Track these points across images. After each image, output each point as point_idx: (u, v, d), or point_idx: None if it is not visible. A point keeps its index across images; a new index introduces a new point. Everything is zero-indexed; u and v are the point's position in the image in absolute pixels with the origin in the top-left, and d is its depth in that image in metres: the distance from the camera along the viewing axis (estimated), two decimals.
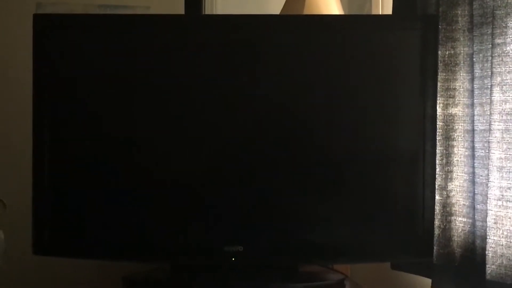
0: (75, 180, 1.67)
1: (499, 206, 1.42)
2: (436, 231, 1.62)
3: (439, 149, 1.62)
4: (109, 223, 1.67)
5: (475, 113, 1.53)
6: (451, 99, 1.60)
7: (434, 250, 1.61)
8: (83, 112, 1.68)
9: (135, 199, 1.67)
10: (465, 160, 1.58)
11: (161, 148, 1.68)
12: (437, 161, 1.62)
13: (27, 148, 1.68)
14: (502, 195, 1.42)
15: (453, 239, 1.60)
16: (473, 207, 1.54)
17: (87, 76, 1.68)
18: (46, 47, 1.67)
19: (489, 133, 1.45)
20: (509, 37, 1.41)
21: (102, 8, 2.19)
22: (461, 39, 1.58)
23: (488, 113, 1.46)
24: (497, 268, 1.42)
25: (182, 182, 1.68)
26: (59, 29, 1.69)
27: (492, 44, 1.44)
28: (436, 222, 1.62)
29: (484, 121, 1.50)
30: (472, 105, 1.55)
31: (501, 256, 1.42)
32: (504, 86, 1.42)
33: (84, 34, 1.69)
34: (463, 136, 1.58)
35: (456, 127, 1.59)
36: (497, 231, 1.42)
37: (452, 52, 1.60)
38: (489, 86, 1.46)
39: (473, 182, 1.55)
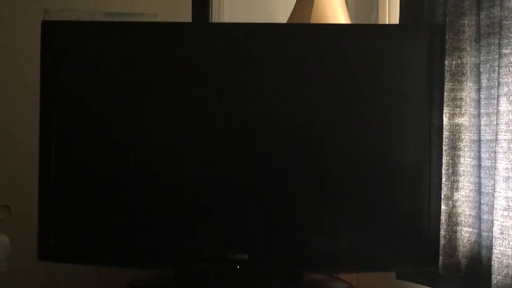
0: (81, 186, 1.68)
1: (505, 216, 1.42)
2: (442, 241, 1.61)
3: (445, 159, 1.62)
4: (115, 229, 1.67)
5: (482, 123, 1.53)
6: (457, 109, 1.60)
7: (440, 260, 1.61)
8: (90, 118, 1.68)
9: (142, 205, 1.67)
10: (471, 170, 1.58)
11: (167, 155, 1.68)
12: (443, 170, 1.62)
13: (33, 154, 1.68)
14: (508, 205, 1.42)
15: (458, 249, 1.60)
16: (479, 217, 1.54)
17: (94, 83, 1.69)
18: (54, 54, 1.68)
19: (496, 143, 1.45)
20: None
21: (109, 16, 2.20)
22: (468, 49, 1.58)
23: (495, 123, 1.46)
24: (503, 279, 1.42)
25: (188, 189, 1.68)
26: (67, 36, 1.69)
27: (499, 54, 1.44)
28: (442, 232, 1.62)
29: (491, 131, 1.50)
30: (478, 115, 1.55)
31: (507, 266, 1.41)
32: (511, 96, 1.42)
33: (91, 41, 1.70)
34: (469, 146, 1.58)
35: (463, 137, 1.59)
36: (503, 241, 1.42)
37: (459, 62, 1.60)
38: (496, 96, 1.46)
39: (479, 192, 1.54)
